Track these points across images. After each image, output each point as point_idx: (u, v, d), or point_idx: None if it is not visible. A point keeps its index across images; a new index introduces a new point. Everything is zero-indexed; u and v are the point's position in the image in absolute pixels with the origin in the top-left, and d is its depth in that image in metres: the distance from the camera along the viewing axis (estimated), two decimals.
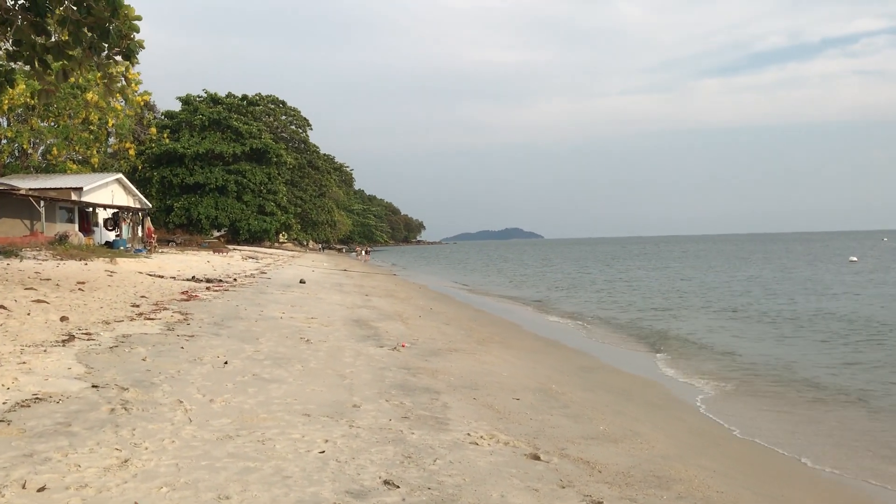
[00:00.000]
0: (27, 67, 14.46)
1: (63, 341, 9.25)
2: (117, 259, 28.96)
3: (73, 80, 47.76)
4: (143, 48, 13.20)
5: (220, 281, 23.77)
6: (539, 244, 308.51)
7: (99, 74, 16.04)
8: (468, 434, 6.88)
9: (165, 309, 14.00)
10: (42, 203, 33.74)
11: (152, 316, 12.62)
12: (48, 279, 17.26)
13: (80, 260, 26.35)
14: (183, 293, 18.01)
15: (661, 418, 9.30)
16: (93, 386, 7.10)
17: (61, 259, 25.89)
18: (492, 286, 40.12)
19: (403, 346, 12.64)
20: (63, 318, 11.19)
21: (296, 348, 10.99)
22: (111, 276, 21.06)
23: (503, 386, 9.79)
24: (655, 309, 25.11)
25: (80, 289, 15.95)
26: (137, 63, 15.98)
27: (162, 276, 23.44)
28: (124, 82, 51.90)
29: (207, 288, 20.42)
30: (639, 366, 14.06)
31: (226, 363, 9.17)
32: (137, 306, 14.01)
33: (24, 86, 45.59)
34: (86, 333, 10.05)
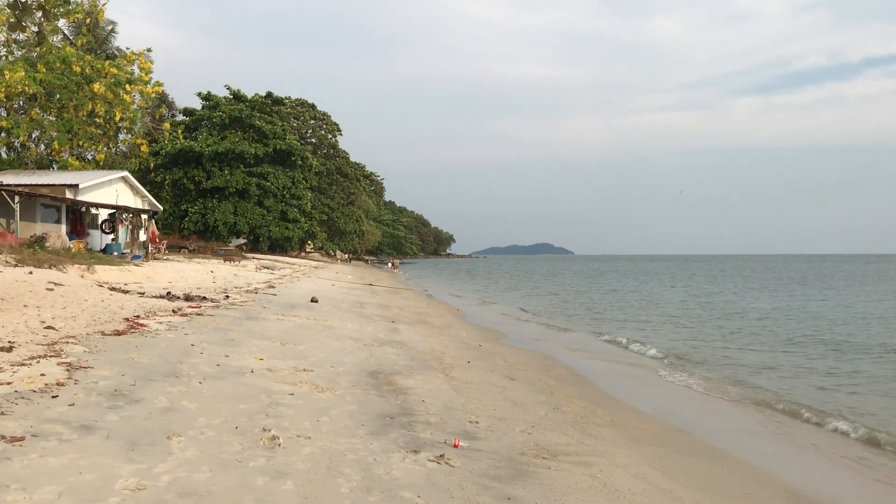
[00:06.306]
0: None
1: None
2: (96, 267, 23.76)
3: (77, 69, 43.50)
4: None
5: (204, 298, 18.16)
6: (569, 259, 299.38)
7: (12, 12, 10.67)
8: None
9: (55, 355, 8.33)
10: (17, 199, 28.66)
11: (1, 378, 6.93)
12: None
13: (41, 266, 21.08)
14: (126, 320, 12.37)
15: None
16: None
17: (17, 265, 20.64)
18: (537, 305, 33.84)
19: (456, 444, 6.83)
20: None
21: (238, 469, 5.22)
22: (51, 290, 15.57)
23: None
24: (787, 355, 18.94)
25: None
26: None
27: (127, 292, 17.92)
28: (137, 72, 47.22)
29: (175, 310, 14.74)
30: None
31: None
32: (7, 350, 8.36)
33: (24, 72, 41.10)
34: None
